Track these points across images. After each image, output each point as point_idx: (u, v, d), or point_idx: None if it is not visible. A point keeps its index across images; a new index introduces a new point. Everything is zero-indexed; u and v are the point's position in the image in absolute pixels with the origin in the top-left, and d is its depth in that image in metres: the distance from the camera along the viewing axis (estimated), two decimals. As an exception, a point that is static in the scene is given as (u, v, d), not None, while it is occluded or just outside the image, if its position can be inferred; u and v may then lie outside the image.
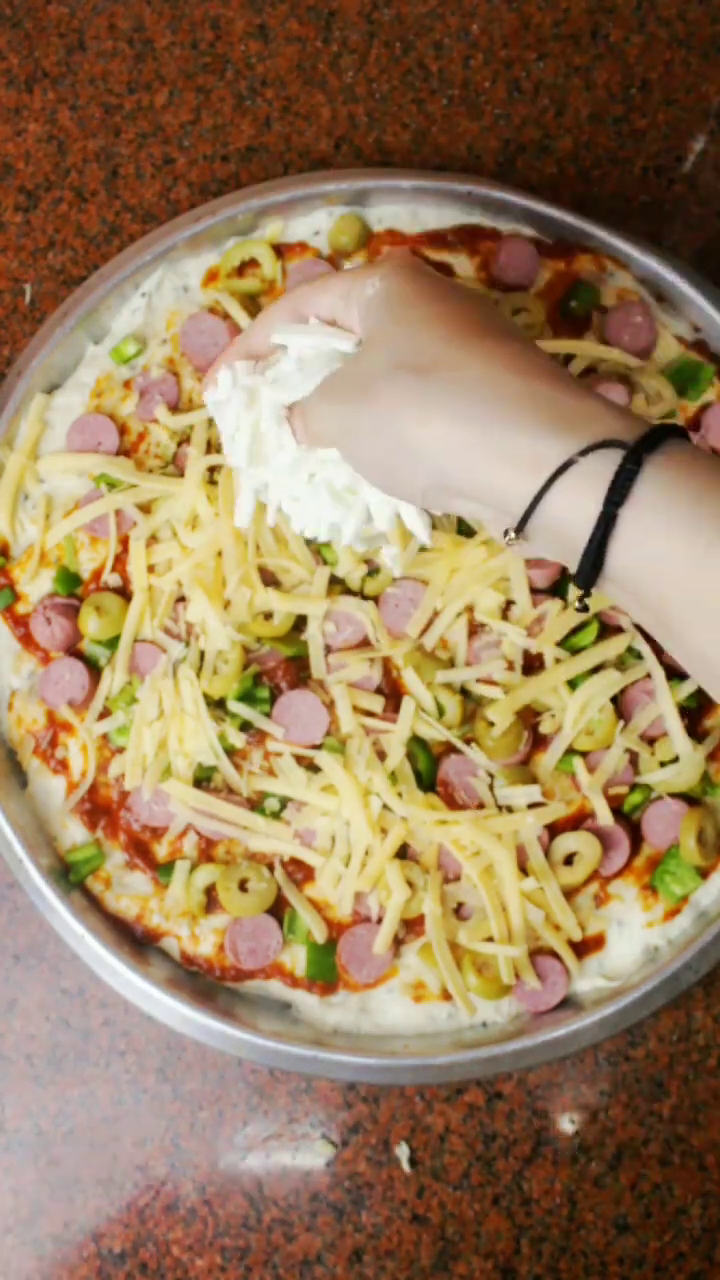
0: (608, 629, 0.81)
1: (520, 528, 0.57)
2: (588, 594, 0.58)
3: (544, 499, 0.56)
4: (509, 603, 0.81)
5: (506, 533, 0.59)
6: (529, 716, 0.80)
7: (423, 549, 0.80)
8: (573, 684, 0.80)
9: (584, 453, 0.55)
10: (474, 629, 0.81)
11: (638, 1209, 0.83)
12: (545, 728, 0.80)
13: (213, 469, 0.82)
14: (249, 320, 0.83)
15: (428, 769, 0.80)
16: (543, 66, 0.92)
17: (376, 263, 0.67)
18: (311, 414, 0.67)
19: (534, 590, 0.80)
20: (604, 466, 0.55)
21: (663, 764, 0.81)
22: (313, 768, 0.80)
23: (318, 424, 0.66)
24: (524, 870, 0.79)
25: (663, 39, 0.93)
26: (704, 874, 0.81)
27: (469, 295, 0.64)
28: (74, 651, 0.82)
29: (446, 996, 0.80)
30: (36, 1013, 0.85)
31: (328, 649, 0.81)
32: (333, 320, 0.68)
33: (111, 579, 0.83)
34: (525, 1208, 0.83)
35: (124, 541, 0.82)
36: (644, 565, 0.55)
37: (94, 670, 0.82)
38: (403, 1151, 0.84)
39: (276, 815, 0.80)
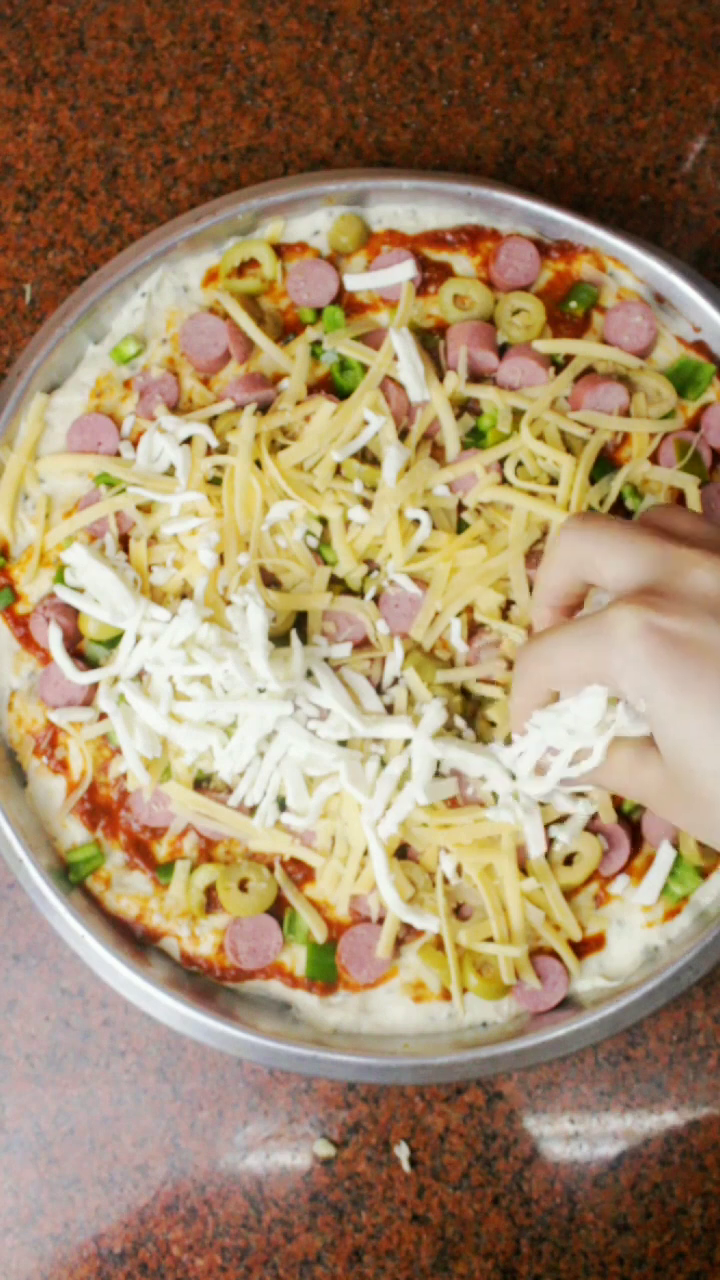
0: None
1: None
2: None
3: None
4: (509, 602, 0.81)
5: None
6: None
7: (423, 548, 0.80)
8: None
9: None
10: (474, 629, 0.81)
11: (638, 1209, 0.83)
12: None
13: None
14: (249, 321, 0.83)
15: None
16: (543, 66, 0.92)
17: (610, 650, 0.61)
18: (631, 787, 0.66)
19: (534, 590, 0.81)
20: None
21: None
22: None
23: (644, 798, 0.65)
24: (524, 870, 0.79)
25: (663, 39, 0.93)
26: (704, 874, 0.81)
27: None
28: (74, 651, 0.82)
29: (446, 996, 0.80)
30: (36, 1013, 0.85)
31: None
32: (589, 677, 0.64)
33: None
34: (525, 1208, 0.83)
35: (124, 541, 0.82)
36: None
37: (94, 670, 0.82)
38: (403, 1151, 0.84)
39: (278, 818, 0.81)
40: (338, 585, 0.82)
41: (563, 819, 0.80)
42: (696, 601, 0.60)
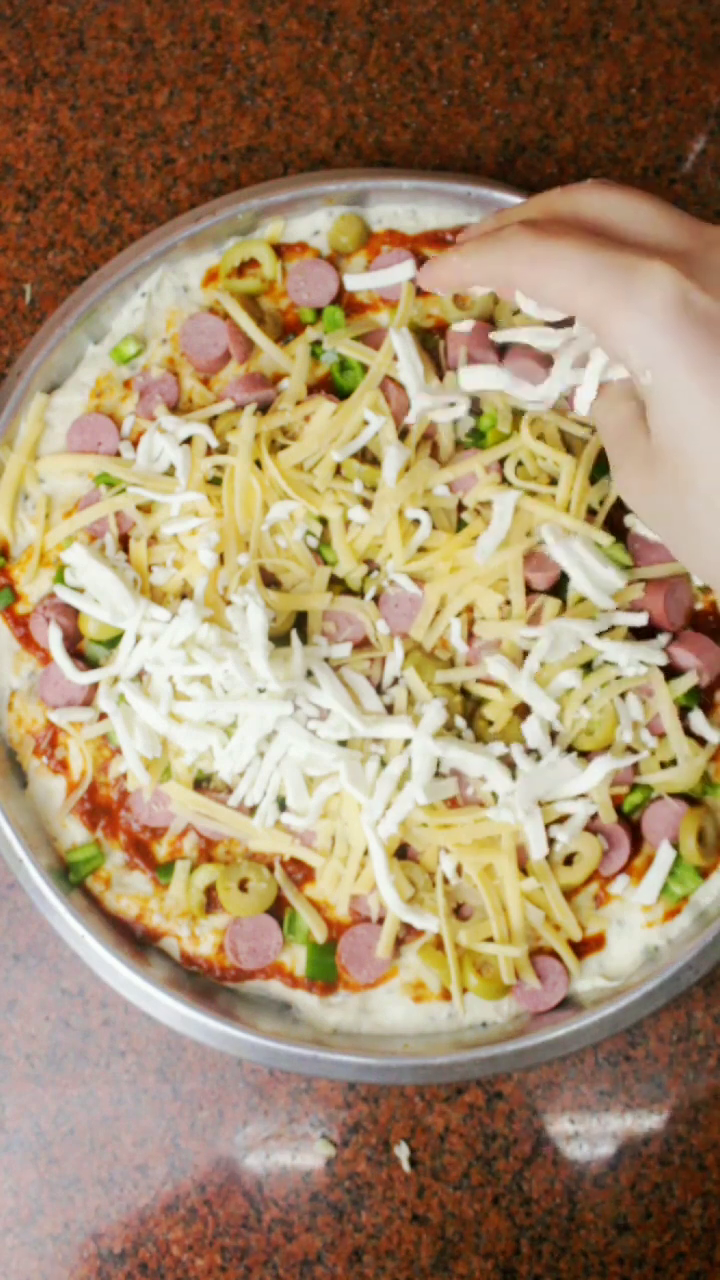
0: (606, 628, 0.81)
1: None
2: None
3: None
4: (508, 602, 0.81)
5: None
6: (527, 716, 0.80)
7: (422, 548, 0.80)
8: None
9: None
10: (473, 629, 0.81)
11: (638, 1209, 0.83)
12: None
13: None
14: (249, 321, 0.83)
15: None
16: (543, 66, 0.92)
17: (631, 311, 0.53)
18: (608, 436, 0.61)
19: (533, 590, 0.80)
20: None
21: (663, 764, 0.81)
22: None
23: (630, 499, 0.61)
24: (524, 870, 0.79)
25: (663, 39, 0.93)
26: (704, 874, 0.81)
27: None
28: (74, 651, 0.82)
29: (446, 996, 0.80)
30: (36, 1013, 0.85)
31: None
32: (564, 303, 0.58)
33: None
34: (525, 1208, 0.83)
35: (124, 541, 0.82)
36: None
37: (94, 670, 0.82)
38: (403, 1151, 0.84)
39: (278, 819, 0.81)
40: (338, 585, 0.82)
41: (563, 819, 0.80)
42: None
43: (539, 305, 0.61)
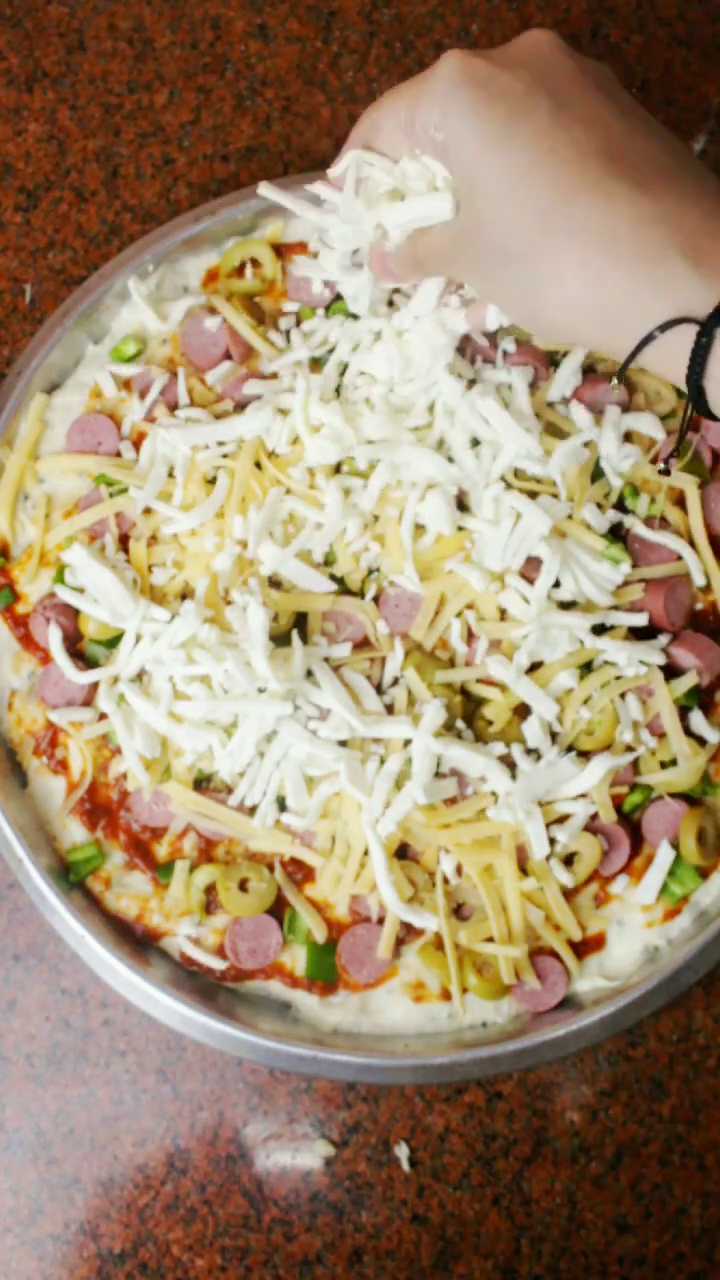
0: (605, 628, 0.81)
1: (620, 376, 0.64)
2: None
3: (639, 358, 0.61)
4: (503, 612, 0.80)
5: (610, 380, 0.68)
6: (527, 716, 0.80)
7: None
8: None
9: (662, 329, 0.59)
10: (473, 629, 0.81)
11: (638, 1209, 0.83)
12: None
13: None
14: (243, 322, 0.83)
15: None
16: (543, 66, 0.92)
17: (429, 82, 0.63)
18: (441, 267, 0.68)
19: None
20: (685, 337, 0.58)
21: (663, 764, 0.81)
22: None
23: (452, 274, 0.68)
24: (524, 870, 0.79)
25: (663, 39, 0.93)
26: (704, 874, 0.81)
27: (539, 108, 0.61)
28: (74, 651, 0.82)
29: (446, 996, 0.80)
30: (36, 1013, 0.85)
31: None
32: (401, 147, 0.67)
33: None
34: (525, 1208, 0.83)
35: (124, 541, 0.82)
36: None
37: (94, 670, 0.82)
38: (403, 1151, 0.84)
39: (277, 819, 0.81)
40: (338, 585, 0.82)
41: (563, 819, 0.80)
42: (517, 55, 0.63)
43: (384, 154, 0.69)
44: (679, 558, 0.82)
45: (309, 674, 0.79)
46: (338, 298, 0.84)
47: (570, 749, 0.80)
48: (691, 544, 0.82)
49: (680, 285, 0.58)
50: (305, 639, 0.81)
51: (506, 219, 0.61)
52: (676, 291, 0.58)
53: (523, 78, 0.62)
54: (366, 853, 0.79)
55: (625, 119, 0.62)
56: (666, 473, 0.79)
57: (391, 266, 0.72)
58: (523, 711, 0.80)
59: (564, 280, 0.61)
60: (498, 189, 0.61)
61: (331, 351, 0.82)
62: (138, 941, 0.82)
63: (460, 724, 0.80)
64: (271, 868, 0.81)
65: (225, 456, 0.81)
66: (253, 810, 0.80)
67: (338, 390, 0.82)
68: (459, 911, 0.81)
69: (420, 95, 0.63)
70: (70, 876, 0.82)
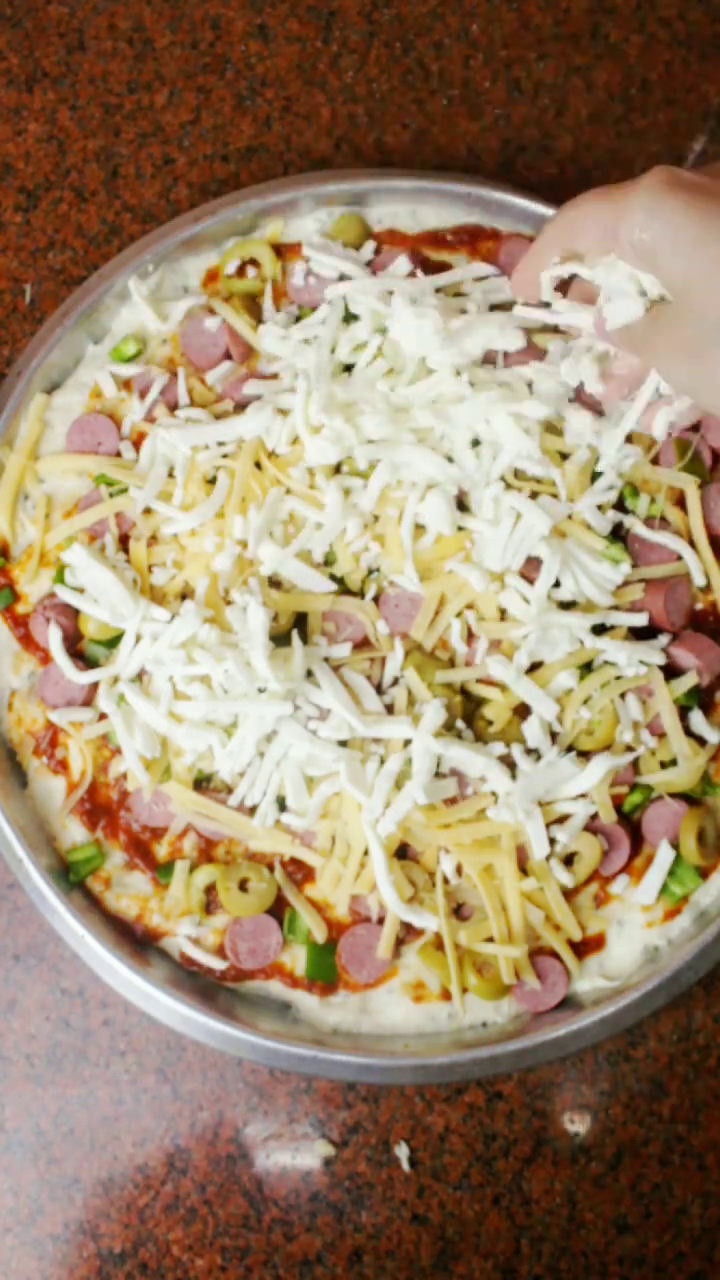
0: (605, 628, 0.81)
1: None
2: None
3: None
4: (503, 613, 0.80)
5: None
6: (527, 716, 0.80)
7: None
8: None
9: None
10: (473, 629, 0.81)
11: (638, 1209, 0.83)
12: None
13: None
14: (246, 326, 0.83)
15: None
16: (543, 66, 0.92)
17: (633, 191, 0.66)
18: (652, 359, 0.70)
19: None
20: None
21: (663, 764, 0.81)
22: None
23: (662, 368, 0.70)
24: (524, 870, 0.79)
25: (663, 39, 0.93)
26: (704, 874, 0.81)
27: None
28: (74, 651, 0.82)
29: (446, 996, 0.80)
30: (36, 1013, 0.85)
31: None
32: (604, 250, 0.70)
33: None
34: (525, 1208, 0.83)
35: (124, 541, 0.82)
36: None
37: (94, 670, 0.82)
38: (403, 1151, 0.84)
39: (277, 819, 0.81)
40: (338, 585, 0.82)
41: (563, 819, 0.80)
42: (718, 172, 0.66)
43: (571, 263, 0.72)
44: (679, 558, 0.82)
45: (309, 674, 0.79)
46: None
47: (570, 749, 0.80)
48: (691, 544, 0.82)
49: None
50: (305, 639, 0.81)
51: (711, 299, 0.64)
52: None
53: None
54: (366, 853, 0.79)
55: None
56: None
57: (612, 338, 0.74)
58: (523, 711, 0.80)
59: None
60: (712, 278, 0.64)
61: (332, 352, 0.82)
62: (138, 941, 0.82)
63: (460, 724, 0.80)
64: (271, 868, 0.81)
65: (225, 456, 0.81)
66: (253, 810, 0.80)
67: (347, 368, 0.82)
68: (459, 911, 0.80)
69: (625, 201, 0.66)
70: (70, 876, 0.82)
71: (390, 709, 0.80)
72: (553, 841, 0.79)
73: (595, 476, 0.81)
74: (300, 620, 0.82)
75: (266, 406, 0.81)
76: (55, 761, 0.82)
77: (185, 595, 0.82)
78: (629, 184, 0.67)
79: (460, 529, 0.80)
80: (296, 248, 0.86)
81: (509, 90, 0.92)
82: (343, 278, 0.84)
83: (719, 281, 0.64)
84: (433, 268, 0.85)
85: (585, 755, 0.80)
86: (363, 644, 0.81)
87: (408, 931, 0.80)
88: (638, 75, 0.93)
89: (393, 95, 0.92)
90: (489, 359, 0.81)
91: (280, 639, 0.80)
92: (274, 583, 0.82)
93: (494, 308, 0.83)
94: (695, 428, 0.83)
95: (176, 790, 0.80)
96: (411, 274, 0.83)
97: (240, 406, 0.83)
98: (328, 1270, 0.83)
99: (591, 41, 0.93)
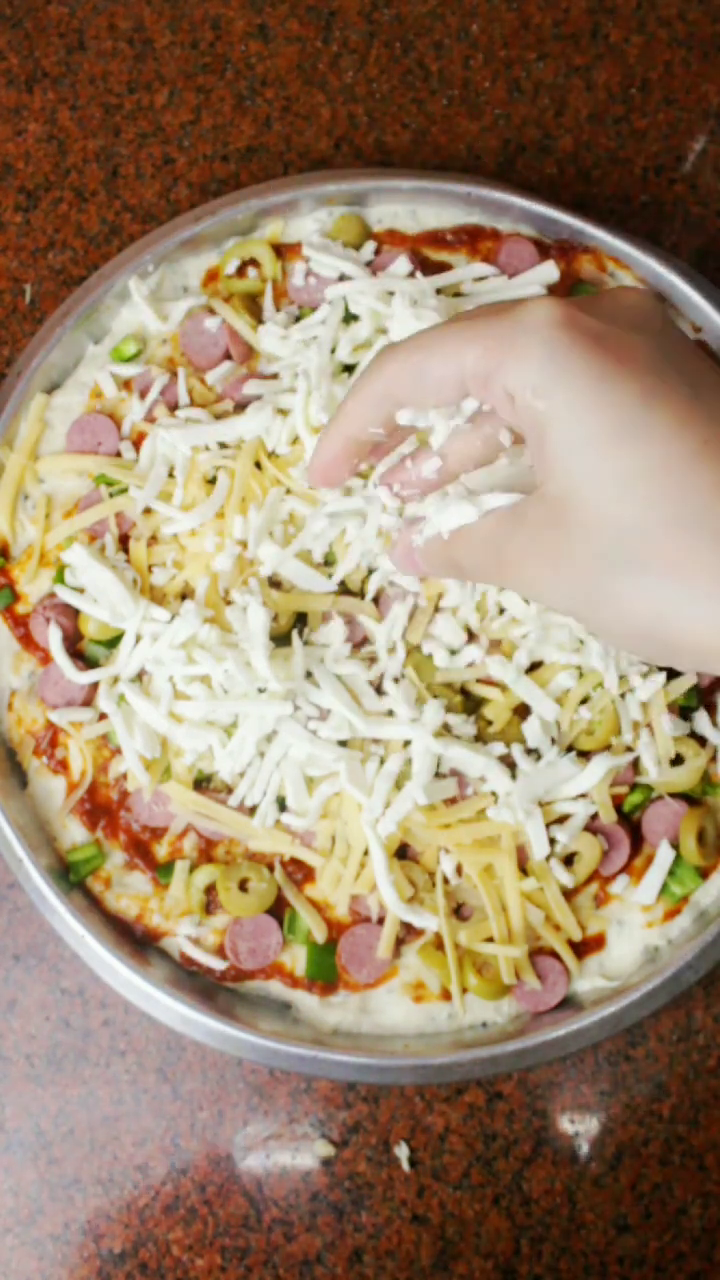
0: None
1: None
2: None
3: None
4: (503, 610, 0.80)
5: None
6: (527, 716, 0.80)
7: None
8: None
9: None
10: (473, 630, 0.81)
11: (638, 1209, 0.83)
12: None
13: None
14: (246, 326, 0.83)
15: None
16: (543, 66, 0.92)
17: (522, 334, 0.51)
18: (499, 571, 0.55)
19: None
20: None
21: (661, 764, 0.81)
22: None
23: (522, 585, 0.55)
24: (524, 870, 0.79)
25: (663, 39, 0.93)
26: (704, 874, 0.81)
27: (675, 383, 0.50)
28: (74, 651, 0.82)
29: (447, 996, 0.80)
30: (36, 1013, 0.85)
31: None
32: (460, 389, 0.55)
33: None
34: (525, 1208, 0.83)
35: (124, 541, 0.82)
36: None
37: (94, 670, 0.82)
38: (403, 1151, 0.84)
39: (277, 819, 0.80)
40: (338, 585, 0.82)
41: (563, 819, 0.80)
42: (618, 313, 0.51)
43: (421, 409, 0.57)
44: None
45: (308, 674, 0.79)
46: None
47: (570, 749, 0.80)
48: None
49: None
50: (304, 638, 0.81)
51: (649, 523, 0.48)
52: None
53: (649, 344, 0.51)
54: (366, 853, 0.79)
55: None
56: None
57: (420, 563, 0.60)
58: (523, 711, 0.80)
59: (709, 594, 0.48)
60: (636, 485, 0.48)
61: (333, 352, 0.82)
62: (138, 941, 0.82)
63: (454, 719, 0.80)
64: (271, 868, 0.81)
65: (225, 457, 0.81)
66: (253, 810, 0.80)
67: (348, 369, 0.82)
68: (459, 911, 0.80)
69: (508, 344, 0.51)
70: (70, 876, 0.82)
71: (390, 710, 0.80)
72: (553, 841, 0.79)
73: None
74: (300, 620, 0.82)
75: (266, 407, 0.81)
76: (55, 761, 0.82)
77: (185, 595, 0.82)
78: (505, 319, 0.51)
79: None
80: (296, 248, 0.86)
81: (509, 90, 0.92)
82: (343, 278, 0.84)
83: (624, 503, 0.48)
84: (433, 268, 0.85)
85: (585, 755, 0.80)
86: (362, 644, 0.81)
87: (408, 931, 0.80)
88: (638, 75, 0.93)
89: (393, 95, 0.92)
90: None
91: (280, 639, 0.80)
92: (274, 583, 0.82)
93: None
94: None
95: (176, 790, 0.80)
96: (411, 274, 0.83)
97: (240, 406, 0.83)
98: (328, 1270, 0.83)
99: (591, 41, 0.93)
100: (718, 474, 0.48)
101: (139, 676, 0.80)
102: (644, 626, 0.50)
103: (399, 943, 0.80)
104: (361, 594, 0.82)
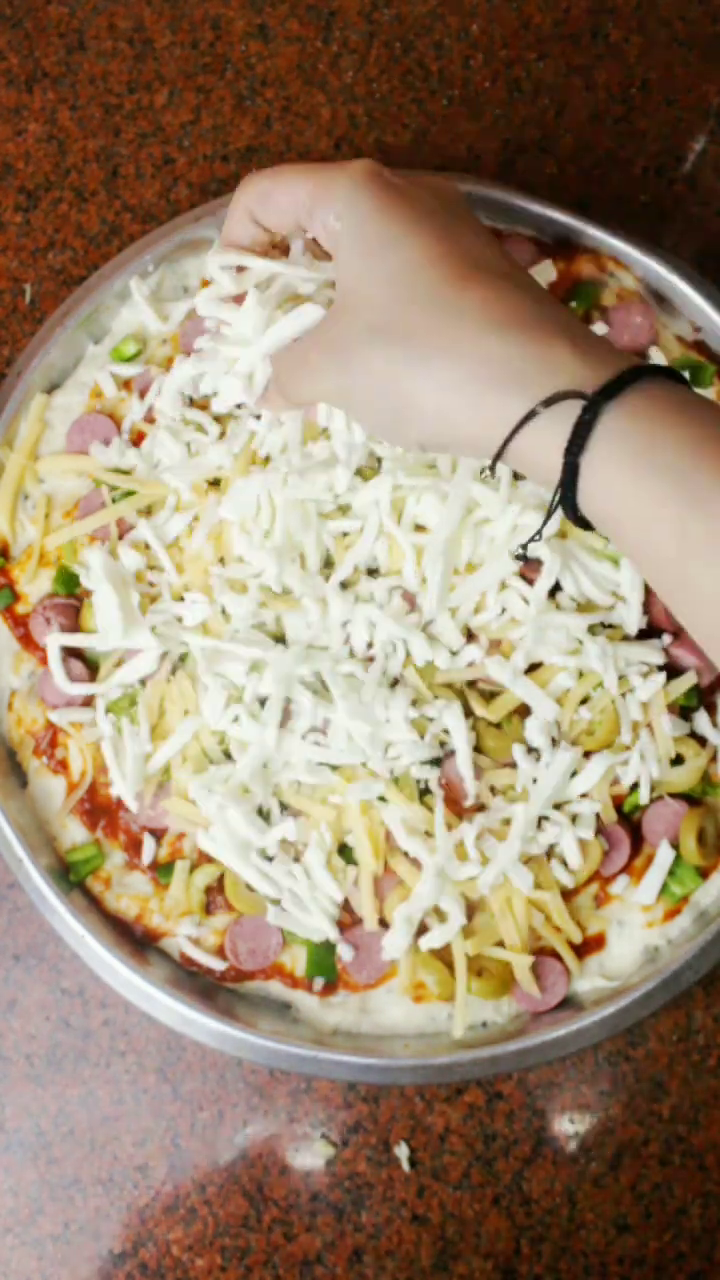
0: (606, 628, 0.81)
1: (492, 468, 0.61)
2: (578, 523, 0.60)
3: (512, 445, 0.59)
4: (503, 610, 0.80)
5: (483, 469, 0.64)
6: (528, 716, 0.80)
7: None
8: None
9: (546, 403, 0.58)
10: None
11: (638, 1209, 0.83)
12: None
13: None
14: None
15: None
16: (543, 66, 0.92)
17: (339, 175, 0.64)
18: (301, 378, 0.67)
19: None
20: (566, 416, 0.57)
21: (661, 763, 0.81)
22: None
23: (311, 387, 0.66)
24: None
25: (663, 39, 0.93)
26: (704, 874, 0.81)
27: (440, 222, 0.63)
28: (75, 652, 0.82)
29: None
30: (36, 1013, 0.85)
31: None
32: (294, 222, 0.67)
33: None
34: (525, 1208, 0.83)
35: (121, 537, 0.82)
36: (607, 513, 0.58)
37: (94, 670, 0.82)
38: (403, 1151, 0.84)
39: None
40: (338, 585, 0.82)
41: (573, 819, 0.80)
42: (423, 183, 0.65)
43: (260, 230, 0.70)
44: (679, 558, 0.82)
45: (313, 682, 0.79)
46: None
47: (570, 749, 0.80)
48: (691, 544, 0.82)
49: (564, 367, 0.58)
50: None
51: (395, 302, 0.61)
52: (559, 373, 0.58)
53: (432, 201, 0.64)
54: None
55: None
56: (523, 558, 0.76)
57: (268, 397, 0.71)
58: (523, 711, 0.80)
59: (451, 358, 0.59)
60: (391, 278, 0.62)
61: None
62: (138, 941, 0.82)
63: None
64: (271, 868, 0.81)
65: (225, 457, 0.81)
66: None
67: None
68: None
69: (328, 183, 0.64)
70: (70, 876, 0.82)
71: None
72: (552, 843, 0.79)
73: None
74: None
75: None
76: (55, 761, 0.82)
77: (184, 598, 0.82)
78: (332, 167, 0.65)
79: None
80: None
81: (509, 90, 0.92)
82: None
83: (380, 289, 0.61)
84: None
85: (585, 755, 0.80)
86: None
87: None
88: (638, 75, 0.93)
89: (393, 95, 0.92)
90: None
91: (280, 640, 0.80)
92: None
93: None
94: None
95: (175, 804, 0.80)
96: None
97: (239, 407, 0.83)
98: (328, 1270, 0.83)
99: (591, 41, 0.93)
100: (451, 272, 0.61)
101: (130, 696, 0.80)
102: (381, 387, 0.61)
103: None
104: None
